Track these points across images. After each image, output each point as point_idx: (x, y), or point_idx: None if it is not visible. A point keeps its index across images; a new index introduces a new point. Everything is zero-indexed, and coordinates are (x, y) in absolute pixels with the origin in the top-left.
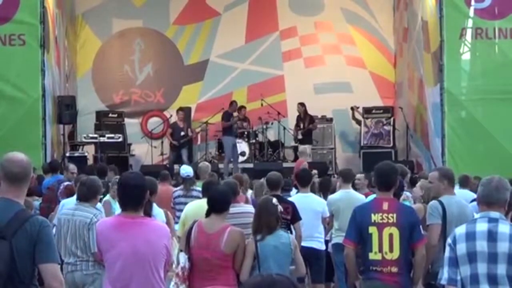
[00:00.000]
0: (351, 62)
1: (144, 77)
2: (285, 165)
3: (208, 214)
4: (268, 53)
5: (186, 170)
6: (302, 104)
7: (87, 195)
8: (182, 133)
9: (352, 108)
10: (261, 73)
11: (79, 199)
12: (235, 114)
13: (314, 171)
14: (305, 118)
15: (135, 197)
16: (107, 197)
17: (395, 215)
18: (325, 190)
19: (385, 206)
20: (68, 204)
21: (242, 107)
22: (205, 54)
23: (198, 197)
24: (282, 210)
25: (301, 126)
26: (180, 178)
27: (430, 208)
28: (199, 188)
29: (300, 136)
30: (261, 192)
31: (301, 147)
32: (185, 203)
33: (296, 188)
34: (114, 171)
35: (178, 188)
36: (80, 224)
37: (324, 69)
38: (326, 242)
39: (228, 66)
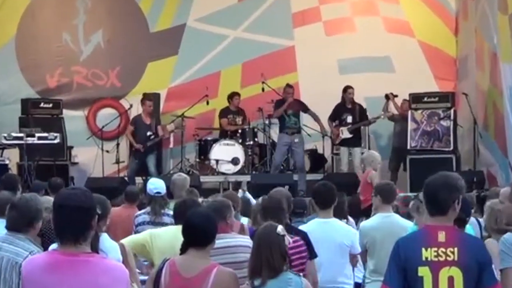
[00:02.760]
0: (393, 27)
1: (91, 50)
2: (296, 177)
3: (184, 249)
4: (272, 16)
5: (155, 185)
6: (351, 88)
7: (19, 223)
8: (149, 133)
9: (387, 96)
10: (262, 45)
11: (8, 227)
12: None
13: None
14: (354, 108)
15: (78, 224)
16: None
17: (456, 249)
18: (354, 213)
19: (442, 237)
20: None
21: (235, 94)
22: (180, 17)
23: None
24: (291, 242)
25: (347, 119)
26: (146, 197)
27: (503, 243)
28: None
29: (346, 135)
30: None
31: (368, 153)
32: None
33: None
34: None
35: (143, 211)
36: (8, 264)
37: (354, 38)
38: None
39: (213, 35)
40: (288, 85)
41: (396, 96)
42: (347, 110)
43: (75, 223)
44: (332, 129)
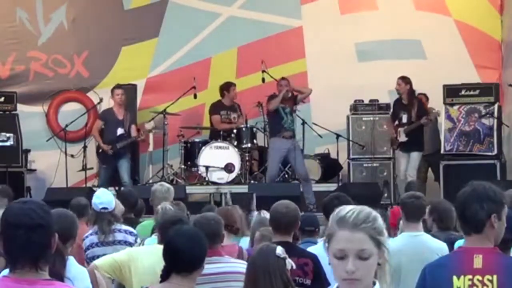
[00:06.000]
0: (424, 4)
1: (53, 31)
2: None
3: (165, 275)
4: None
5: (101, 199)
6: (405, 80)
7: None
8: (121, 131)
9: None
10: (262, 25)
11: None
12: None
13: None
14: (411, 103)
15: (37, 246)
16: None
17: (495, 277)
18: None
19: (478, 262)
20: None
21: (230, 85)
22: None
23: (127, 242)
24: (294, 267)
25: (403, 119)
26: (92, 214)
27: None
28: (126, 227)
29: (402, 138)
30: (267, 236)
31: None
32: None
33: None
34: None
35: (90, 231)
36: None
37: (375, 18)
38: None
39: (202, 12)
40: (282, 79)
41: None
42: (403, 107)
43: (34, 245)
44: (391, 131)
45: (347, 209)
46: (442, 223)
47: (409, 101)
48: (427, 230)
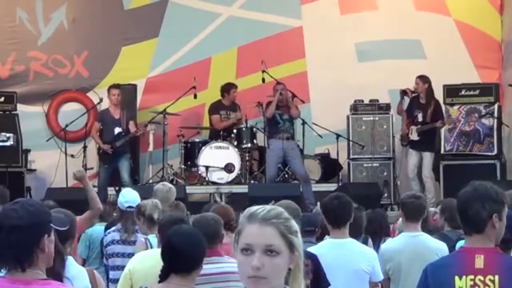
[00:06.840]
0: (424, 4)
1: (53, 31)
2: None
3: (164, 275)
4: None
5: (127, 197)
6: (424, 79)
7: None
8: (119, 130)
9: (405, 93)
10: (262, 25)
11: None
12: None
13: None
14: (428, 103)
15: (19, 247)
16: None
17: (497, 278)
18: (376, 233)
19: (480, 262)
20: None
21: (231, 86)
22: None
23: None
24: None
25: (418, 117)
26: (117, 212)
27: None
28: None
29: (413, 136)
30: None
31: None
32: (124, 255)
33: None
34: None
35: (113, 228)
36: None
37: (375, 18)
38: None
39: (202, 12)
40: (278, 83)
41: (414, 92)
42: (420, 106)
43: (14, 245)
44: (403, 126)
45: (258, 206)
46: (454, 221)
47: (427, 100)
48: (427, 230)
